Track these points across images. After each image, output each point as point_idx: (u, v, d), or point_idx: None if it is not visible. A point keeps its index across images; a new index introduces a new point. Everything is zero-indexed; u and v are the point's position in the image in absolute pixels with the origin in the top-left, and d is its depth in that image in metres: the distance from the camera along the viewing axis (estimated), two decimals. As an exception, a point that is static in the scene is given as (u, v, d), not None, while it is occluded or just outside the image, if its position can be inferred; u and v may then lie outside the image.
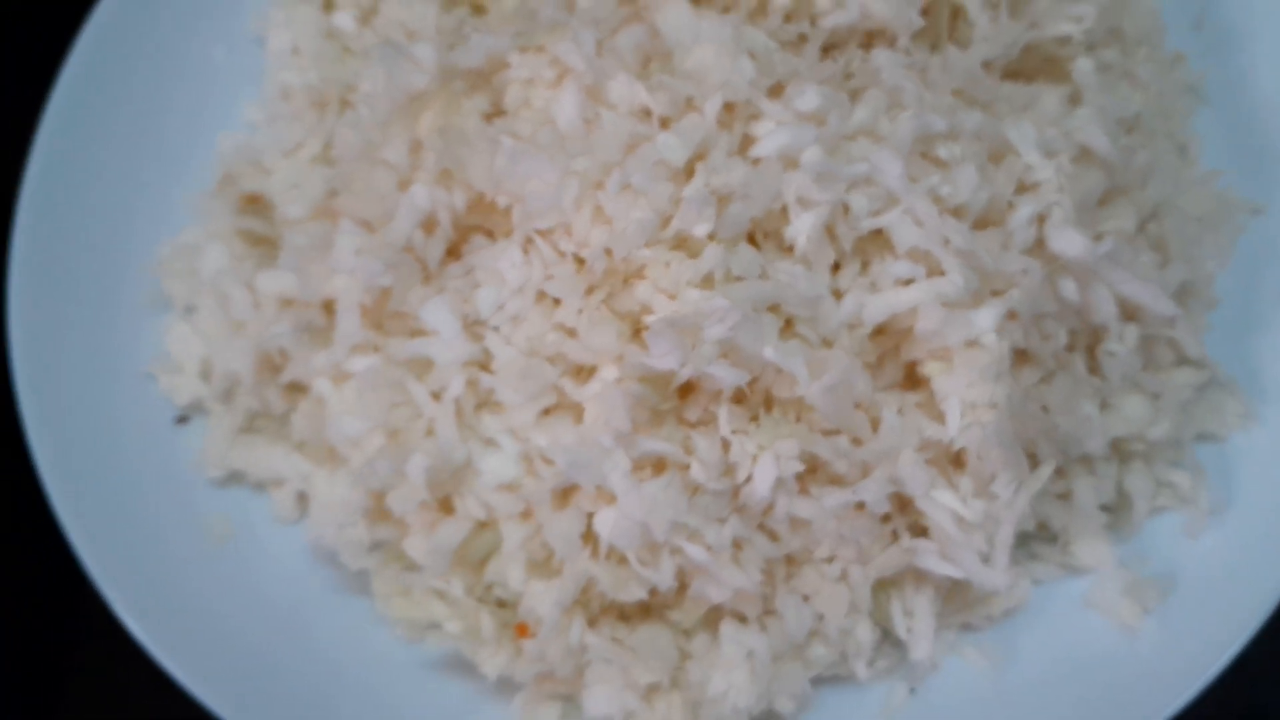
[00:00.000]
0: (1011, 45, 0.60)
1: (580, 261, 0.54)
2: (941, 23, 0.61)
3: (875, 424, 0.54)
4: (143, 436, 0.63)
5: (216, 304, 0.61)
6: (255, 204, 0.65)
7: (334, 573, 0.61)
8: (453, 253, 0.57)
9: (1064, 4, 0.62)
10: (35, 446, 0.61)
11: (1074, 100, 0.62)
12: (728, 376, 0.52)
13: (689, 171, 0.54)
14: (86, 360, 0.64)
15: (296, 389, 0.62)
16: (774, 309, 0.54)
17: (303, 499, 0.62)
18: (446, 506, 0.57)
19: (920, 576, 0.57)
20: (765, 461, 0.53)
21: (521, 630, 0.56)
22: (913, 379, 0.56)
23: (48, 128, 0.67)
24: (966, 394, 0.53)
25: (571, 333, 0.54)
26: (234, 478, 0.63)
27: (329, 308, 0.59)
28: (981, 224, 0.56)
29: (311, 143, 0.64)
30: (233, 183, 0.65)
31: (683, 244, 0.54)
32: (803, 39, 0.59)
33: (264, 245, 0.64)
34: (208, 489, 0.63)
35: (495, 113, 0.58)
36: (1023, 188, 0.57)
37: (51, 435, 0.62)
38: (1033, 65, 0.63)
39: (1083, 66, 0.62)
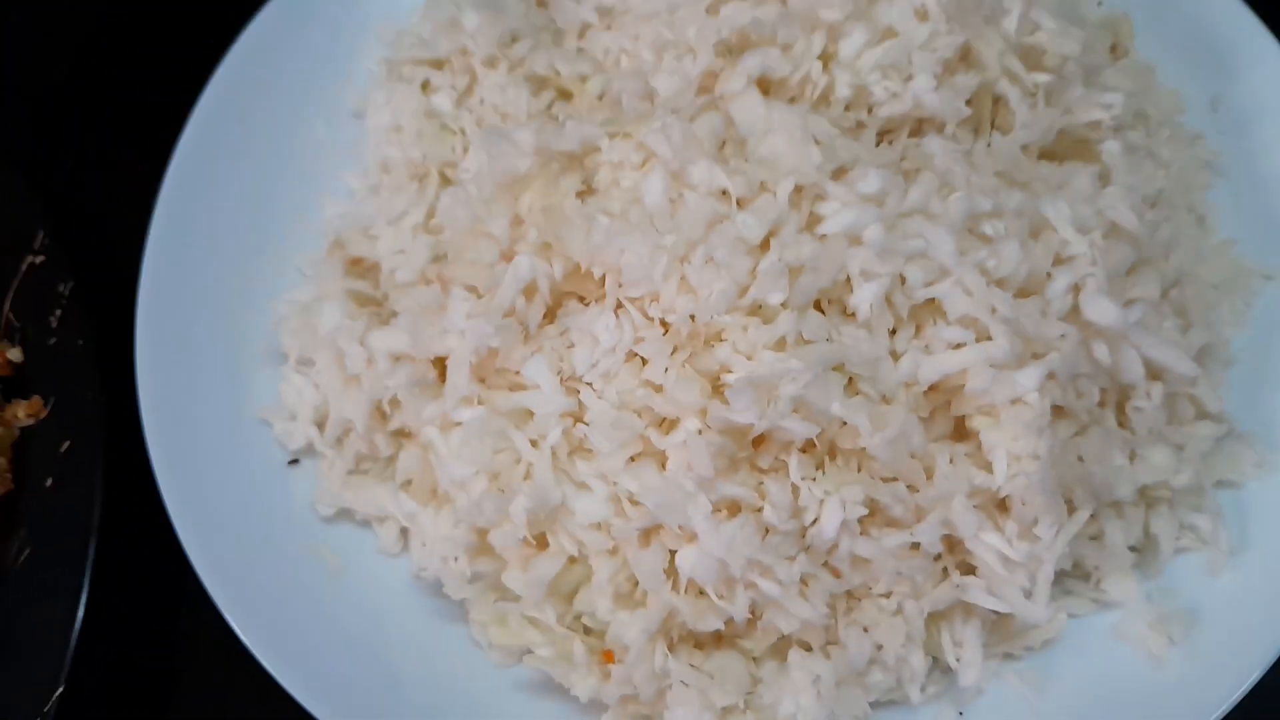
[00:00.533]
0: (1048, 131, 0.67)
1: (666, 326, 0.61)
2: (985, 110, 0.67)
3: (930, 472, 0.60)
4: (257, 476, 0.69)
5: (332, 358, 0.67)
6: (360, 266, 0.72)
7: (431, 601, 0.67)
8: (549, 316, 0.64)
9: (1095, 93, 0.68)
10: (162, 484, 0.67)
11: (1103, 179, 0.67)
12: (799, 429, 0.59)
13: (764, 247, 0.60)
14: (207, 407, 0.70)
15: (400, 433, 0.68)
16: (839, 369, 0.60)
17: (404, 534, 0.68)
18: (542, 542, 0.63)
19: (968, 610, 0.62)
20: (831, 505, 0.59)
21: (607, 656, 0.62)
22: (962, 432, 0.62)
23: (167, 195, 0.74)
24: (1012, 446, 0.59)
25: (658, 389, 0.60)
26: (342, 514, 0.69)
27: (438, 363, 0.65)
28: (1023, 293, 0.62)
29: (415, 212, 0.70)
30: (341, 247, 0.71)
31: (759, 311, 0.60)
32: (860, 126, 0.65)
33: (371, 305, 0.70)
34: (317, 524, 0.68)
35: (587, 191, 0.65)
36: (1059, 260, 0.63)
37: (176, 474, 0.67)
38: (1065, 147, 0.69)
39: (1111, 148, 0.68)
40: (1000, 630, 0.64)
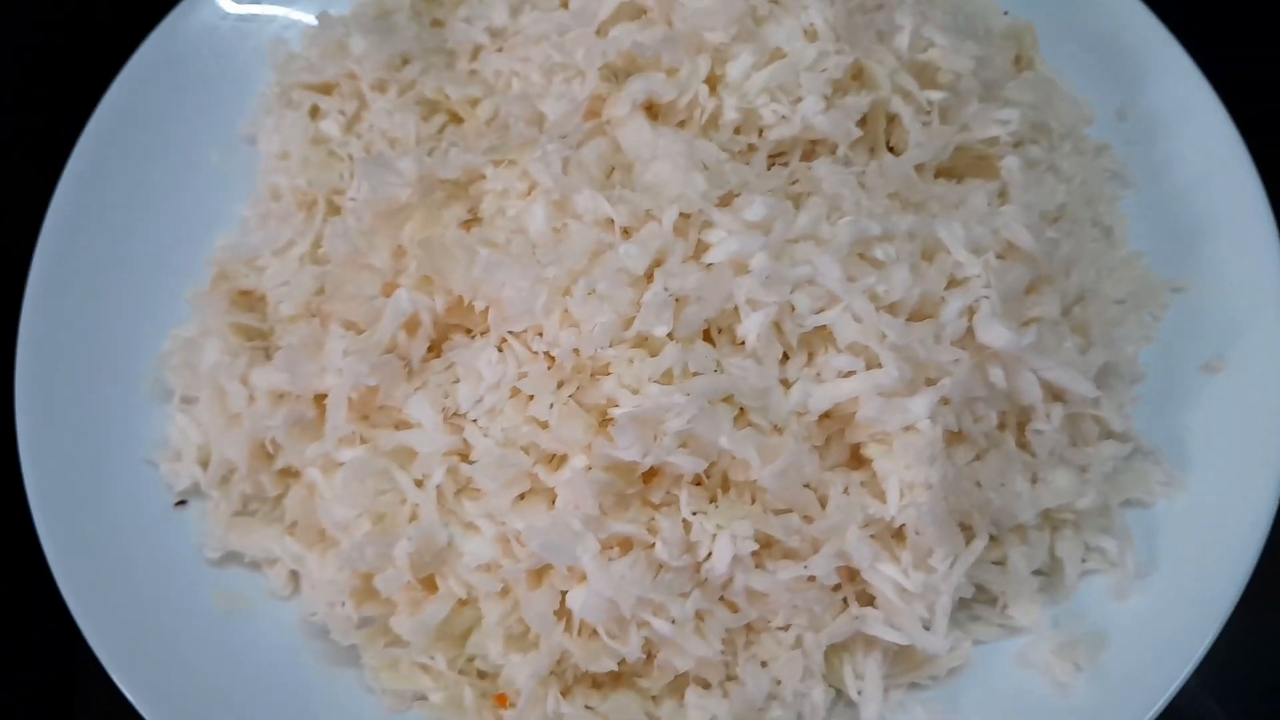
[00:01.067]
0: (943, 149, 0.66)
1: (551, 360, 0.59)
2: (878, 130, 0.66)
3: (824, 501, 0.59)
4: (144, 519, 0.67)
5: (214, 397, 0.65)
6: (247, 298, 0.69)
7: (324, 645, 0.65)
8: (433, 349, 0.62)
9: (991, 109, 0.67)
10: (41, 528, 0.64)
11: (1003, 195, 0.66)
12: (687, 464, 0.57)
13: (649, 277, 0.58)
14: (93, 447, 0.67)
15: (289, 472, 0.66)
16: (728, 400, 0.58)
17: (295, 576, 0.66)
18: (430, 585, 0.61)
19: (869, 641, 0.61)
20: (723, 540, 0.58)
21: (501, 700, 0.61)
22: (857, 458, 0.61)
23: (52, 223, 0.72)
24: (905, 475, 0.58)
25: (544, 425, 0.59)
26: (231, 557, 0.66)
27: (319, 401, 0.63)
28: (916, 316, 0.61)
29: (301, 242, 0.68)
30: (226, 280, 0.69)
31: (644, 343, 0.58)
32: (751, 149, 0.64)
33: (257, 338, 0.68)
34: (206, 567, 0.66)
35: (472, 219, 0.63)
36: (953, 282, 0.62)
37: (57, 518, 0.65)
38: (963, 163, 0.68)
39: (1010, 164, 0.67)
40: (905, 660, 0.62)
